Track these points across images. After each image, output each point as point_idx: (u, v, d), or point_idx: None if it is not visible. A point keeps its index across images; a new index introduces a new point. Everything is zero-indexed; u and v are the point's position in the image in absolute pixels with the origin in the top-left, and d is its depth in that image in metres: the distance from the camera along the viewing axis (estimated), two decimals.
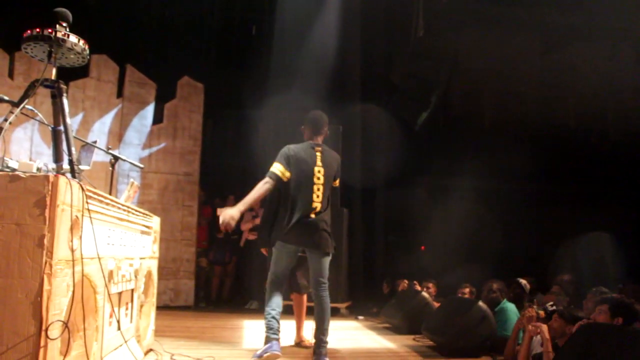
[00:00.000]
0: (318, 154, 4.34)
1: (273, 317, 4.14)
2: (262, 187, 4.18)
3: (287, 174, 4.21)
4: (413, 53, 9.27)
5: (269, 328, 4.12)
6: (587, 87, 9.00)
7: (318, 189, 4.25)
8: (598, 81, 8.72)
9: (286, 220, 4.20)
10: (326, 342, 4.22)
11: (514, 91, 10.09)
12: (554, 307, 4.36)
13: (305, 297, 5.28)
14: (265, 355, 3.97)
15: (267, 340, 4.08)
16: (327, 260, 4.31)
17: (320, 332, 4.22)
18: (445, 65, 9.42)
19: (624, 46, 8.25)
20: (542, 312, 4.45)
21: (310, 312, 4.72)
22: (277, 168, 4.21)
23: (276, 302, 4.22)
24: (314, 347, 4.25)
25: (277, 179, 4.19)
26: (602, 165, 9.60)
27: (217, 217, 8.98)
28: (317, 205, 4.23)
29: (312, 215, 4.19)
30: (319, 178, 4.27)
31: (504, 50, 8.73)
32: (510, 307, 5.19)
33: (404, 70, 9.58)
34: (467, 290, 6.21)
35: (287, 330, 5.16)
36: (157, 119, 8.19)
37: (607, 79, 8.67)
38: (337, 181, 4.51)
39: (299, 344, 5.18)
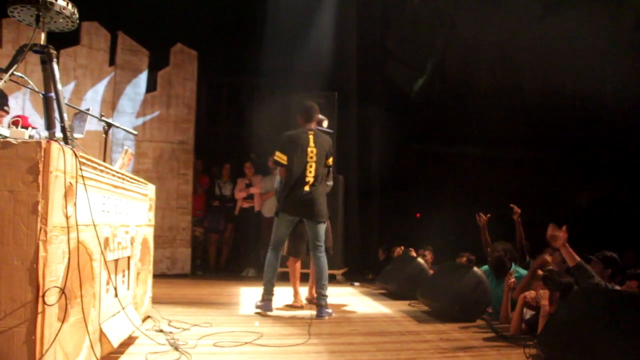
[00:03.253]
0: (310, 136, 5.19)
1: (269, 281, 5.12)
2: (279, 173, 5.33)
3: (285, 157, 5.11)
4: (409, 18, 9.13)
5: (265, 290, 5.11)
6: (585, 53, 8.89)
7: (311, 166, 5.13)
8: (596, 46, 8.60)
9: (285, 194, 5.12)
10: (325, 295, 5.04)
11: (511, 57, 9.97)
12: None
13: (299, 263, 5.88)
14: (260, 310, 5.06)
15: (263, 299, 5.12)
16: (322, 227, 5.19)
17: (319, 286, 5.07)
18: (442, 31, 9.29)
19: (625, 9, 8.12)
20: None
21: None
22: (277, 156, 5.14)
23: (273, 267, 5.18)
24: (316, 300, 5.15)
25: (281, 164, 5.16)
26: (600, 132, 9.56)
27: (214, 186, 8.97)
28: (311, 179, 5.12)
29: (307, 189, 5.09)
30: (311, 157, 5.13)
31: (501, 15, 8.59)
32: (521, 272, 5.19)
33: (400, 36, 9.44)
34: (464, 259, 6.25)
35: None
36: (151, 87, 8.11)
37: (606, 44, 8.56)
38: (330, 160, 5.33)
39: (310, 300, 5.79)
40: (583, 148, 9.80)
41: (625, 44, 8.43)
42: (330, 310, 5.07)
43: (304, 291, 5.91)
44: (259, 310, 5.08)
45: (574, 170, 9.73)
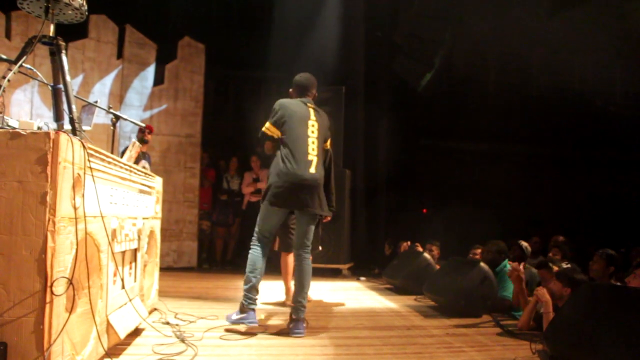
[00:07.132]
0: (311, 109, 4.17)
1: (253, 287, 3.98)
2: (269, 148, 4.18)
3: (276, 130, 4.06)
4: (417, 13, 9.09)
5: (247, 297, 3.94)
6: (594, 49, 8.83)
7: (313, 142, 4.05)
8: (605, 42, 8.53)
9: (278, 175, 3.98)
10: (305, 307, 4.00)
11: (519, 53, 9.92)
12: (568, 265, 4.37)
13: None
14: (241, 323, 3.92)
15: (244, 309, 3.93)
16: (314, 223, 4.18)
17: (300, 295, 4.03)
18: (450, 25, 9.24)
19: (634, 4, 8.05)
20: (555, 267, 4.48)
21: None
22: (266, 127, 4.09)
23: (259, 268, 4.07)
24: (292, 311, 4.02)
25: (268, 136, 4.09)
26: (607, 128, 9.51)
27: (221, 179, 8.95)
28: (314, 158, 4.01)
29: (312, 170, 3.98)
30: (313, 132, 4.08)
31: (510, 10, 8.54)
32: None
33: (408, 31, 9.40)
34: (478, 251, 6.22)
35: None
36: (158, 80, 8.13)
37: (615, 40, 8.49)
38: (328, 142, 4.28)
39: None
40: (592, 144, 9.75)
41: (634, 40, 8.36)
42: (304, 328, 3.97)
43: None
44: (238, 322, 3.94)
45: (582, 166, 9.69)
